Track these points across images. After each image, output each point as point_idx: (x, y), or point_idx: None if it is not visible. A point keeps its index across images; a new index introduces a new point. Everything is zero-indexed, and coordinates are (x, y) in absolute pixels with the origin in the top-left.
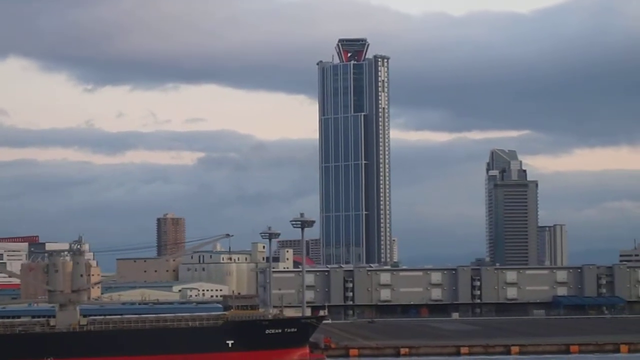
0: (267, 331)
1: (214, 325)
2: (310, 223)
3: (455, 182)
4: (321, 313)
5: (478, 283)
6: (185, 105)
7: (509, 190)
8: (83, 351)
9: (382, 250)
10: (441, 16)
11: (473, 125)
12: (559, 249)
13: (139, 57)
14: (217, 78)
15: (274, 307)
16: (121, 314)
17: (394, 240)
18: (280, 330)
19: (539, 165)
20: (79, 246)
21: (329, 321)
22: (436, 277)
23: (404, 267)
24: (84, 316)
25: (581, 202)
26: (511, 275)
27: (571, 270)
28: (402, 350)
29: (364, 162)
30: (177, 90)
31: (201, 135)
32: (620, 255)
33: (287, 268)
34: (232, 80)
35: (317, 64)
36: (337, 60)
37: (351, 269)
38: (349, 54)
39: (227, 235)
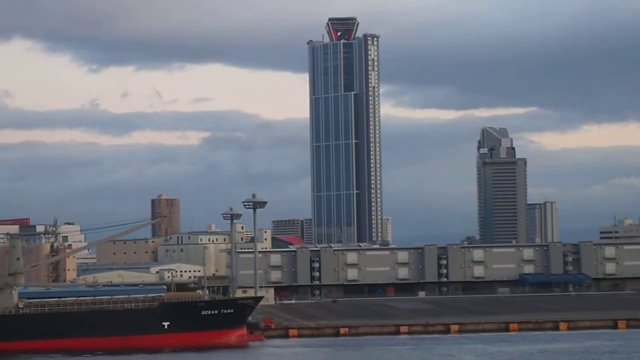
0: (203, 312)
1: (150, 307)
2: (262, 204)
3: (454, 160)
4: (258, 294)
5: (445, 262)
6: (191, 84)
7: (498, 168)
8: (20, 334)
9: (374, 230)
10: None
11: (480, 102)
12: (549, 226)
13: (144, 37)
14: (222, 57)
15: (239, 287)
16: (62, 297)
17: (387, 219)
18: (216, 312)
19: (546, 141)
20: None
21: (293, 301)
22: (402, 256)
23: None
24: (28, 299)
25: (589, 178)
26: (478, 254)
27: (537, 248)
28: (342, 330)
29: (354, 141)
30: (182, 69)
31: (207, 115)
32: (601, 232)
33: (265, 248)
34: (238, 59)
35: (307, 43)
36: (327, 39)
37: (317, 249)
38: (338, 33)
39: (164, 217)
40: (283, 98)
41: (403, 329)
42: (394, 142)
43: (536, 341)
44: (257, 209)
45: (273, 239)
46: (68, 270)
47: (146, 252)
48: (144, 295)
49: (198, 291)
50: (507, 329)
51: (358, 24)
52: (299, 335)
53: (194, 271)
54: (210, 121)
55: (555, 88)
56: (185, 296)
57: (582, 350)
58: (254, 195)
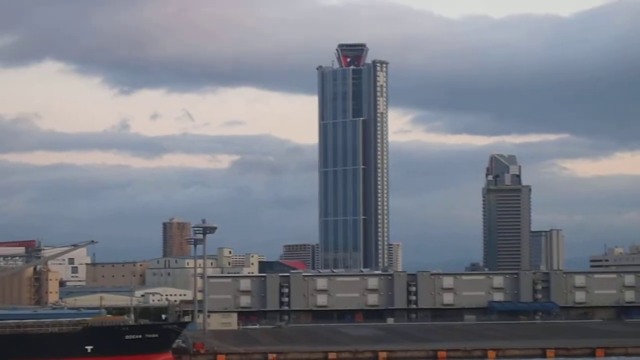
0: (127, 337)
1: (73, 331)
2: (212, 229)
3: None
4: (185, 319)
5: (414, 288)
6: (222, 108)
7: (502, 195)
8: None
9: (380, 255)
10: (482, 19)
11: (513, 129)
12: (555, 253)
13: (175, 60)
14: (254, 81)
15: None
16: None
17: (398, 245)
18: (140, 336)
19: (579, 168)
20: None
21: (256, 326)
22: (372, 282)
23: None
24: None
25: (621, 205)
26: (447, 281)
27: (507, 276)
28: (270, 356)
29: (362, 167)
30: (214, 93)
31: (238, 138)
32: (591, 261)
33: (252, 273)
34: (270, 83)
35: (317, 68)
36: (336, 65)
37: (287, 274)
38: (348, 59)
39: (92, 241)
40: (314, 122)
41: (331, 355)
42: (421, 168)
43: None
44: (208, 234)
45: (278, 263)
46: (50, 292)
47: (134, 275)
48: (68, 319)
49: (124, 316)
50: (435, 357)
51: (367, 50)
52: None
53: (180, 295)
54: (241, 144)
55: (588, 115)
56: (110, 320)
57: None
58: (203, 221)
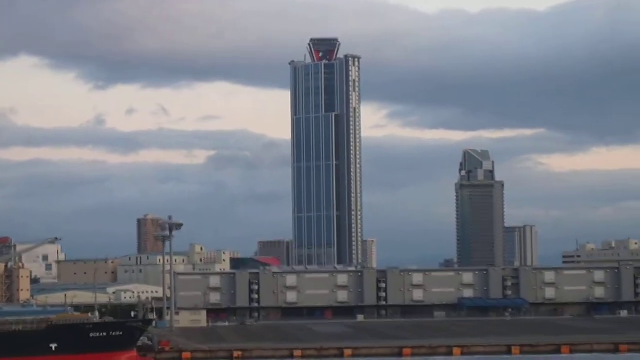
0: (92, 334)
1: (37, 329)
2: (179, 226)
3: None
4: (150, 317)
5: (384, 285)
6: (198, 103)
7: (475, 190)
8: None
9: (354, 251)
10: (457, 13)
11: (489, 123)
12: (529, 249)
13: (150, 55)
14: (230, 76)
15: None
16: None
17: (372, 241)
18: (105, 334)
19: (555, 163)
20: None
21: (226, 324)
22: (342, 279)
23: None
24: None
25: (597, 201)
26: (417, 278)
27: (477, 273)
28: (235, 354)
29: (335, 162)
30: (190, 87)
31: (214, 134)
32: (563, 257)
33: (224, 270)
34: (245, 78)
35: (290, 63)
36: (308, 60)
37: (257, 271)
38: (320, 54)
39: (56, 239)
40: (287, 117)
41: (297, 352)
42: (397, 163)
43: None
44: (175, 230)
45: (251, 260)
46: (21, 290)
47: (106, 272)
48: (32, 317)
49: (89, 314)
50: (400, 354)
51: (339, 44)
52: (192, 358)
53: (152, 292)
54: (217, 139)
55: (564, 110)
56: (75, 318)
57: None
58: (170, 218)
